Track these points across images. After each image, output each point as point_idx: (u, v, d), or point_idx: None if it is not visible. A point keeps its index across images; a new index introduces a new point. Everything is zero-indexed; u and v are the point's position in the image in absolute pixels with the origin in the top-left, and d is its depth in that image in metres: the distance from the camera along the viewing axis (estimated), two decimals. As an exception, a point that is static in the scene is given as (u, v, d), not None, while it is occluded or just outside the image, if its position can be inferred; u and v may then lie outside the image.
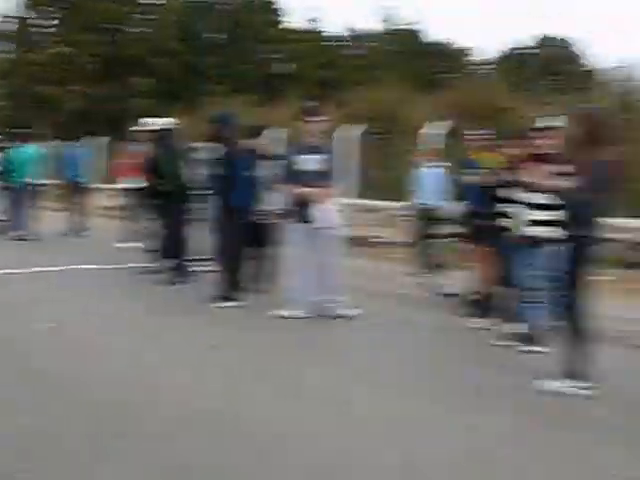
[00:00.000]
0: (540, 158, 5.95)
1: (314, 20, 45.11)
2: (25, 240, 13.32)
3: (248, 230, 8.09)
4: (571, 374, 5.05)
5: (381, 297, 8.88)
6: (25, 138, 14.99)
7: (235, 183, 7.97)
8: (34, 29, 41.08)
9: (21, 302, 7.96)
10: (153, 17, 41.12)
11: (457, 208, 7.94)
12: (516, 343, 6.25)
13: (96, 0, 38.71)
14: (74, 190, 15.16)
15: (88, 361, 5.73)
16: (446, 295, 8.51)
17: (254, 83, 40.13)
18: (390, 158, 16.38)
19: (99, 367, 5.54)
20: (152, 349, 6.18)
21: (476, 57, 46.83)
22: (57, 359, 5.78)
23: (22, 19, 41.53)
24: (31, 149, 14.07)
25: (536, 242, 6.07)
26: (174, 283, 9.15)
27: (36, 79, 38.03)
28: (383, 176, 16.28)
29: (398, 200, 11.98)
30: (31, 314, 7.33)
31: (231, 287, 7.96)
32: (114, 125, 36.60)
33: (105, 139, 23.61)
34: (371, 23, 60.88)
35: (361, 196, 15.60)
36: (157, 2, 42.41)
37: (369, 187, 15.96)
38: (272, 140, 9.90)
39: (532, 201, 6.08)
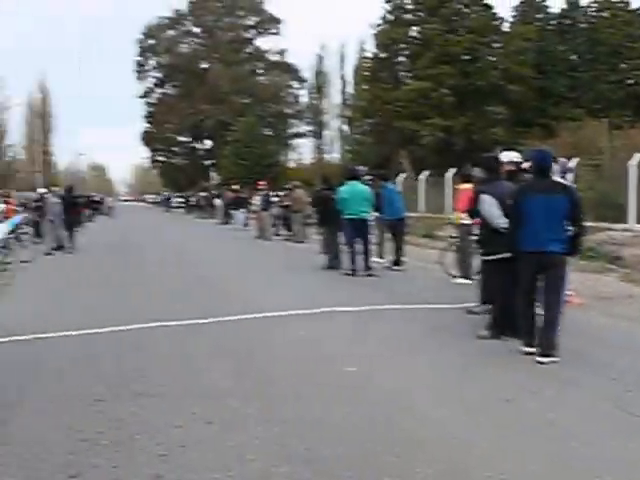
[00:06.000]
0: None
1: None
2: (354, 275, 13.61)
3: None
4: None
5: None
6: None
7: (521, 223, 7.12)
8: (389, 66, 42.83)
9: (337, 340, 7.85)
10: (501, 44, 40.42)
11: None
12: None
13: (447, 32, 39.22)
14: (393, 226, 15.18)
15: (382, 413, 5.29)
16: None
17: (616, 103, 37.43)
18: None
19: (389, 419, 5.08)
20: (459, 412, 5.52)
21: None
22: (359, 408, 5.41)
23: (377, 58, 43.71)
24: (361, 186, 14.29)
25: None
26: (494, 336, 7.99)
27: (395, 115, 39.59)
28: None
29: None
30: (340, 354, 7.18)
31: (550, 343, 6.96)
32: (470, 157, 36.72)
33: (452, 171, 23.83)
34: None
35: None
36: (508, 30, 41.78)
37: None
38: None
39: None
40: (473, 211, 8.73)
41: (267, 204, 26.76)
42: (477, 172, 8.89)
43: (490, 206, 7.92)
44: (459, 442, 4.78)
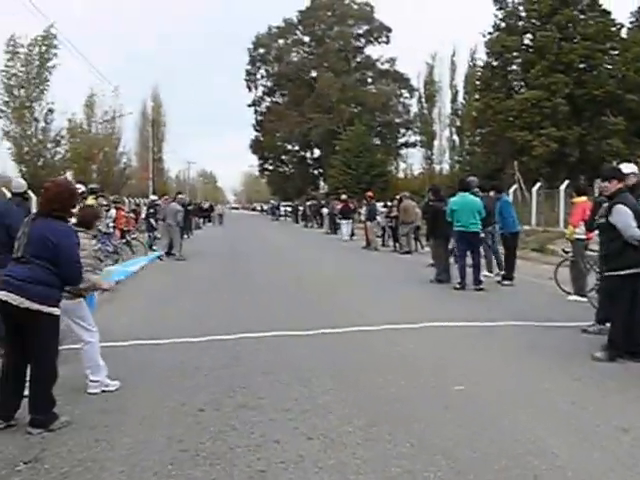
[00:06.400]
0: None
1: None
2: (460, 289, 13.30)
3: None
4: None
5: None
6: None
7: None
8: (501, 75, 41.89)
9: (444, 356, 7.63)
10: (618, 52, 38.77)
11: None
12: None
13: (562, 40, 38.04)
14: (506, 239, 14.73)
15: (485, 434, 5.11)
16: None
17: None
18: None
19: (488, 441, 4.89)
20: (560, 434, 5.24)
21: None
22: (466, 430, 5.21)
23: (489, 67, 42.88)
24: (472, 197, 14.00)
25: None
26: (611, 358, 7.59)
27: (507, 125, 38.70)
28: None
29: None
30: (448, 371, 6.99)
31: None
32: (586, 168, 35.48)
33: (565, 183, 23.16)
34: None
35: None
36: (626, 36, 40.09)
37: None
38: None
39: None
40: (591, 223, 8.38)
41: (373, 214, 26.67)
42: (599, 183, 8.52)
43: (627, 217, 7.57)
44: (574, 475, 4.53)
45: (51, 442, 5.16)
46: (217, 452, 4.91)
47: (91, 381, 6.45)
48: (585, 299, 11.48)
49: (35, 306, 5.34)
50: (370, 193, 29.41)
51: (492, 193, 15.11)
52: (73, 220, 6.35)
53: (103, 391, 6.42)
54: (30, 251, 5.45)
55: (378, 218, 27.33)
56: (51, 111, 37.86)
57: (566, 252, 13.36)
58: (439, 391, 6.39)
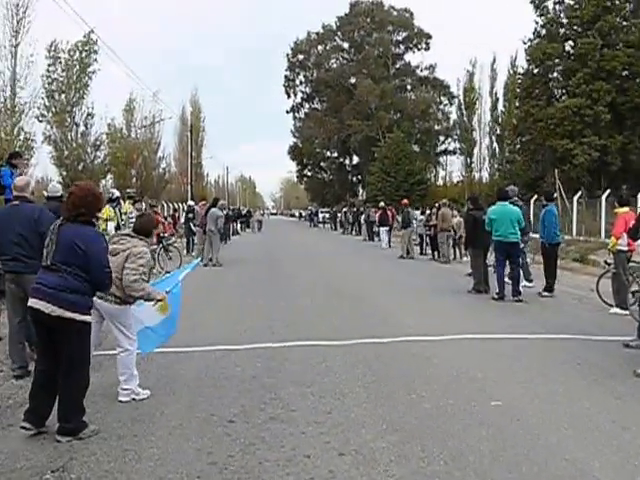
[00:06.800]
0: None
1: None
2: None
3: None
4: None
5: None
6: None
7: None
8: (542, 83, 41.31)
9: (481, 370, 7.45)
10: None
11: None
12: None
13: (604, 47, 37.39)
14: (548, 249, 14.42)
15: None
16: None
17: None
18: None
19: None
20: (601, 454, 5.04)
21: None
22: (504, 448, 5.05)
23: (529, 74, 42.35)
24: (510, 207, 13.77)
25: None
26: None
27: (547, 133, 38.18)
28: None
29: None
30: (485, 385, 6.80)
31: None
32: (628, 177, 34.85)
33: (606, 192, 22.76)
34: None
35: None
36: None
37: None
38: None
39: None
40: (635, 232, 8.18)
41: (407, 222, 26.47)
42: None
43: None
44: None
45: (79, 451, 5.12)
46: (246, 466, 4.82)
47: (123, 389, 6.42)
48: (627, 312, 11.19)
49: (67, 314, 5.31)
50: (405, 200, 29.20)
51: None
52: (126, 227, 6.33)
53: (133, 399, 6.39)
54: (59, 258, 5.41)
55: (414, 224, 27.10)
56: (91, 116, 38.35)
57: (608, 264, 13.06)
58: (475, 406, 6.22)
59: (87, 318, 5.48)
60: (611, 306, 12.13)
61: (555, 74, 42.15)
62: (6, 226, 7.25)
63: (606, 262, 13.59)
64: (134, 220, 14.72)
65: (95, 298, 6.02)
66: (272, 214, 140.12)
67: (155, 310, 6.86)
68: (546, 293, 13.96)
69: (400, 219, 28.64)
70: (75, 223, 5.53)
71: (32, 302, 5.42)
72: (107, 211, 14.83)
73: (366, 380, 7.16)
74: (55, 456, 5.02)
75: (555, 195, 30.43)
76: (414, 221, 27.38)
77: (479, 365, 7.90)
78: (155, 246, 18.47)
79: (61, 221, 5.60)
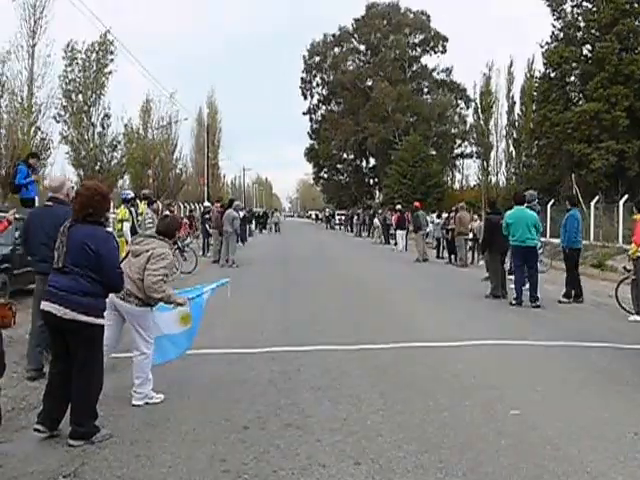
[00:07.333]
0: None
1: None
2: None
3: None
4: None
5: None
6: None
7: None
8: (559, 87, 40.97)
9: (499, 377, 7.32)
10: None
11: None
12: None
13: (622, 51, 37.04)
14: (569, 254, 14.25)
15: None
16: None
17: None
18: None
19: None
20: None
21: None
22: (522, 459, 4.91)
23: (546, 78, 42.04)
24: (528, 211, 13.63)
25: None
26: None
27: (564, 137, 37.86)
28: None
29: None
30: (503, 394, 6.68)
31: None
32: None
33: (624, 197, 22.55)
34: None
35: None
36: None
37: None
38: None
39: None
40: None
41: (417, 225, 26.33)
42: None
43: None
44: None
45: (91, 456, 5.06)
46: (260, 474, 4.73)
47: (136, 392, 6.35)
48: (647, 319, 11.05)
49: (80, 317, 5.25)
50: (417, 203, 29.05)
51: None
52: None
53: (147, 403, 6.32)
54: (70, 260, 5.35)
55: (430, 227, 26.92)
56: (107, 116, 38.43)
57: (627, 270, 12.89)
58: (493, 415, 6.11)
59: (100, 321, 5.43)
60: (630, 313, 11.97)
61: (572, 78, 41.76)
62: (37, 227, 7.24)
63: (625, 268, 13.42)
64: (150, 221, 14.83)
65: (117, 299, 5.98)
66: (288, 216, 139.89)
67: (176, 318, 6.81)
68: (565, 299, 13.77)
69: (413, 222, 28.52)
70: (84, 224, 5.46)
71: (44, 305, 5.37)
72: (122, 212, 14.82)
73: (382, 386, 7.07)
74: (67, 460, 4.96)
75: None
76: (430, 224, 27.19)
77: (497, 372, 7.80)
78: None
79: (70, 223, 5.54)
